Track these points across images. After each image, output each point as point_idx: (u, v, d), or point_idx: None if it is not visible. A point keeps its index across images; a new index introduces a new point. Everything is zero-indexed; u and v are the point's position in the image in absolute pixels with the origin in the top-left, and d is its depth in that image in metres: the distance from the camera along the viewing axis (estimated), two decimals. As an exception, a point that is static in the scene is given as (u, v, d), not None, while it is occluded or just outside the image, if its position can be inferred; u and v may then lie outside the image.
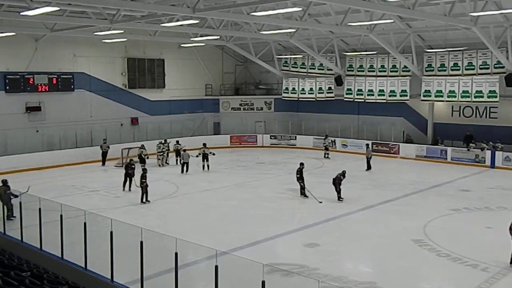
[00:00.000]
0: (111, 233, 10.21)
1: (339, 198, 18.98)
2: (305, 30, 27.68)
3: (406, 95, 29.76)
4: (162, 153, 27.12)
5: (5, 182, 16.50)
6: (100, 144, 27.66)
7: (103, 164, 27.10)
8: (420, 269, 12.59)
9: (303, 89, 33.91)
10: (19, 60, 26.94)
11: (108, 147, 27.42)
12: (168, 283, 9.39)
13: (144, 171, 19.34)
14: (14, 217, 15.20)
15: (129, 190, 20.58)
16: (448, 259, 12.97)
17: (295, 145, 33.48)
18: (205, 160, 25.42)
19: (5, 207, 15.55)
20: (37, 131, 27.52)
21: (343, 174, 19.20)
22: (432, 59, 28.40)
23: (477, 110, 28.19)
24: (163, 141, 27.80)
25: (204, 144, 26.12)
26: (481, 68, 26.66)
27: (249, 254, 11.80)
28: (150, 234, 10.43)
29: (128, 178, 20.85)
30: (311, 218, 16.89)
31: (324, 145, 30.10)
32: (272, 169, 25.14)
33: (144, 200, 18.86)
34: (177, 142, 27.80)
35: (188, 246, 10.89)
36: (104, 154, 27.40)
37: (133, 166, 21.14)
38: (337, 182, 19.05)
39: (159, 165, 26.71)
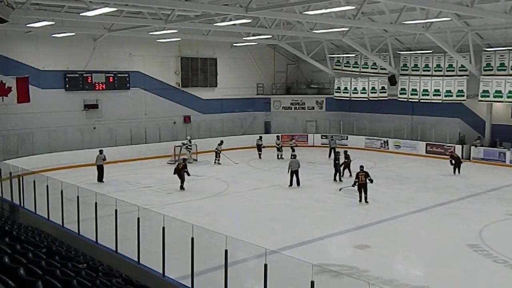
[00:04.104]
0: (163, 228, 10.41)
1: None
2: (358, 28, 27.30)
3: (463, 95, 28.83)
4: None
5: (184, 160, 22.07)
6: (96, 156, 23.01)
7: (101, 180, 22.61)
8: (475, 275, 12.19)
9: (355, 89, 33.46)
10: (78, 59, 27.90)
11: (105, 159, 22.93)
12: (218, 280, 9.50)
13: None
14: (184, 188, 20.79)
15: (340, 180, 22.24)
16: (506, 265, 12.49)
17: (347, 145, 33.02)
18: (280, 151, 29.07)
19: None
20: (94, 128, 28.45)
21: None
22: (491, 58, 27.37)
23: (539, 112, 27.01)
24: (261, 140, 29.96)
25: (278, 137, 30.43)
26: (543, 68, 25.52)
27: (298, 253, 11.74)
28: (200, 231, 10.57)
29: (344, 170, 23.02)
30: (362, 219, 16.67)
31: None
32: (323, 169, 24.91)
33: None
34: (260, 138, 30.10)
35: (237, 243, 10.96)
36: (100, 168, 22.73)
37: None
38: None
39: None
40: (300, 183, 21.29)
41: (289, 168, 21.48)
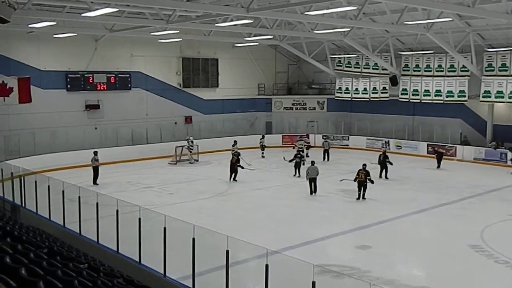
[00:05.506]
0: (165, 229, 10.42)
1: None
2: (359, 29, 27.27)
3: (465, 96, 28.81)
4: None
5: (238, 154, 23.21)
6: (91, 158, 22.28)
7: (94, 182, 21.88)
8: (476, 275, 12.19)
9: (356, 89, 33.46)
10: (79, 60, 27.93)
11: (98, 160, 22.23)
12: (219, 280, 9.50)
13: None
14: (236, 180, 22.36)
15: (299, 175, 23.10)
16: (507, 266, 12.49)
17: (348, 145, 33.09)
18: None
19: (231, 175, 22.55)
20: (96, 128, 28.46)
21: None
22: (492, 58, 27.36)
23: (540, 112, 26.98)
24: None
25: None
26: (545, 68, 25.51)
27: (299, 254, 11.72)
28: (202, 231, 10.56)
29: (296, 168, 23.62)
30: (363, 220, 16.65)
31: None
32: (324, 170, 24.89)
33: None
34: (262, 137, 30.40)
35: (239, 244, 10.96)
36: (95, 170, 22.03)
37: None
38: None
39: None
40: (317, 191, 20.15)
41: (307, 176, 20.39)
